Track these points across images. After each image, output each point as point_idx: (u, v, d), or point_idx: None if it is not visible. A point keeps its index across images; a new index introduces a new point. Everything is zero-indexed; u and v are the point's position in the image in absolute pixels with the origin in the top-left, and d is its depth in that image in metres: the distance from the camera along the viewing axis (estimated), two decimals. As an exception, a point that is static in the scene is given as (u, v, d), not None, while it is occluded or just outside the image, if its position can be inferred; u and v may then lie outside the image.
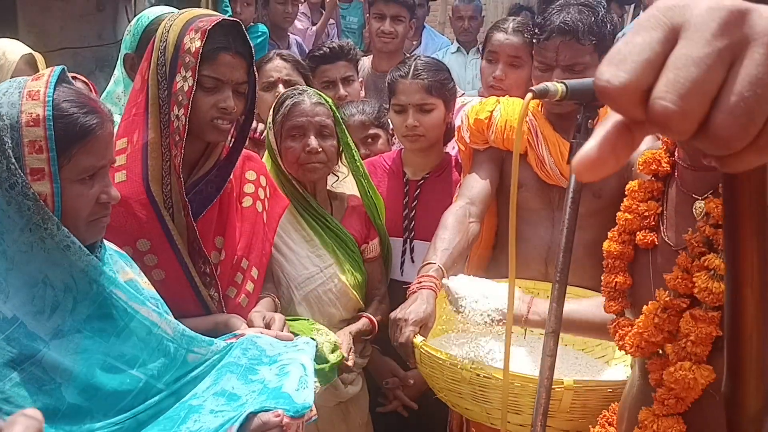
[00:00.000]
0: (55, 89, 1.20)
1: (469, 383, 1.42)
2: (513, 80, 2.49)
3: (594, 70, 2.13)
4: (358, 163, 2.13)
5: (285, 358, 1.43)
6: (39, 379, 1.15)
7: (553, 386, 1.31)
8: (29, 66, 2.30)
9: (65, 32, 4.04)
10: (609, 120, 0.42)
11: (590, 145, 0.41)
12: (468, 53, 4.49)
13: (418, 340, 1.54)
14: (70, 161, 1.19)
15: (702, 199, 1.04)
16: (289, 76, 2.47)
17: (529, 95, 1.00)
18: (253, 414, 1.27)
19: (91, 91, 2.68)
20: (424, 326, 1.60)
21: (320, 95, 2.07)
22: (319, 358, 1.71)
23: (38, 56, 2.37)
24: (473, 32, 4.70)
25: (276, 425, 1.27)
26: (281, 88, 2.44)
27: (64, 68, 1.27)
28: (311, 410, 1.34)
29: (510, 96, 2.32)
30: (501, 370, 1.39)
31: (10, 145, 1.15)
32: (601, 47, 1.89)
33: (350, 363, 1.85)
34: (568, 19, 1.86)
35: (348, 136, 2.09)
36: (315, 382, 1.44)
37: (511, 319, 1.09)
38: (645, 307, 1.05)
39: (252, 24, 4.00)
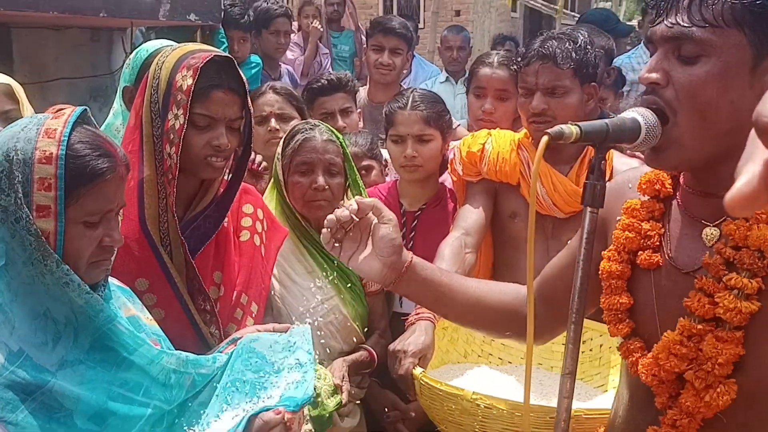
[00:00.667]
0: (73, 129, 1.21)
1: (470, 414, 1.42)
2: (501, 113, 2.54)
3: (575, 94, 2.19)
4: None
5: (285, 363, 1.42)
6: (50, 408, 1.15)
7: (552, 416, 1.32)
8: (6, 96, 2.29)
9: (60, 63, 4.07)
10: (756, 158, 0.43)
11: (744, 182, 0.43)
12: (457, 83, 4.56)
13: (418, 371, 1.54)
14: (77, 202, 1.20)
15: (713, 226, 1.04)
16: (281, 110, 2.47)
17: (545, 138, 1.01)
18: (254, 416, 1.27)
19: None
20: (423, 357, 1.60)
21: (332, 131, 2.08)
22: (317, 403, 1.71)
23: (16, 86, 2.37)
24: (462, 62, 4.79)
25: (278, 422, 1.27)
26: (273, 122, 2.46)
27: (86, 109, 1.28)
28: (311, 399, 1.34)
29: (499, 128, 2.36)
30: (501, 400, 1.40)
31: (20, 179, 1.17)
32: (581, 73, 1.94)
33: (344, 394, 1.84)
34: (548, 45, 1.94)
35: (356, 173, 2.10)
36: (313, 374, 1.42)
37: (531, 355, 1.09)
38: (665, 336, 1.05)
39: None
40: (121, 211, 1.57)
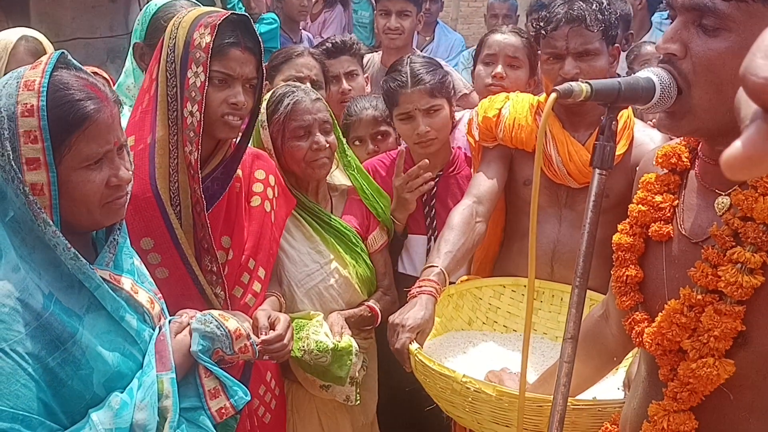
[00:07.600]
0: (51, 77, 1.18)
1: (460, 395, 1.41)
2: (512, 80, 2.46)
3: (603, 56, 2.11)
4: (350, 157, 2.12)
5: None
6: (77, 362, 1.17)
7: (541, 405, 1.30)
8: (29, 54, 2.27)
9: (77, 23, 4.05)
10: (751, 120, 0.41)
11: (742, 139, 0.40)
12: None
13: (414, 347, 1.53)
14: (71, 150, 1.18)
15: (725, 195, 1.01)
16: (317, 77, 2.40)
17: (553, 95, 0.96)
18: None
19: (109, 84, 2.68)
20: (421, 332, 1.59)
21: (313, 90, 2.06)
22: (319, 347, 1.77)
23: (46, 42, 2.35)
24: (507, 30, 4.63)
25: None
26: (309, 86, 2.40)
27: (63, 52, 1.25)
28: None
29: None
30: (490, 385, 1.39)
31: (7, 136, 1.15)
32: (607, 35, 1.88)
33: (345, 338, 1.85)
34: (575, 8, 1.87)
35: (339, 129, 2.08)
36: None
37: (528, 335, 1.06)
38: (666, 305, 1.03)
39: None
40: (133, 165, 1.58)
